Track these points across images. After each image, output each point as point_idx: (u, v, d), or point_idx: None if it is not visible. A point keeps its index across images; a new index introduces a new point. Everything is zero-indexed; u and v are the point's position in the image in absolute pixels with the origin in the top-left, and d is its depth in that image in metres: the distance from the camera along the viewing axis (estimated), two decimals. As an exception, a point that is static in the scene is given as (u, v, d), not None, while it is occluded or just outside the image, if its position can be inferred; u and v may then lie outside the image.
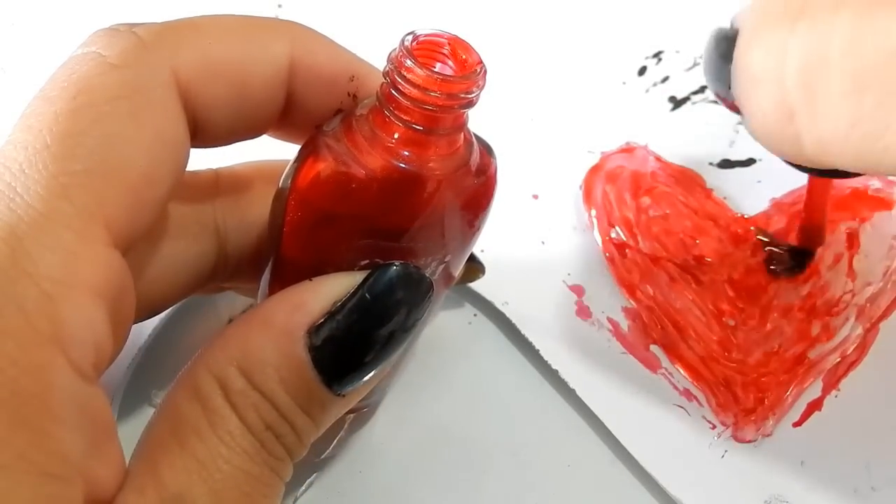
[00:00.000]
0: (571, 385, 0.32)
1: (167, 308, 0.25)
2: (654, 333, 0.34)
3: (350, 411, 0.23)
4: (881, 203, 0.37)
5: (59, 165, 0.18)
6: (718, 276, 0.36)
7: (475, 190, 0.22)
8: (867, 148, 0.18)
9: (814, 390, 0.34)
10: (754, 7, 0.22)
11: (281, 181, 0.22)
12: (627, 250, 0.36)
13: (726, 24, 0.24)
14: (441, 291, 0.25)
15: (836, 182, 0.38)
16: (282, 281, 0.22)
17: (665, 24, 0.45)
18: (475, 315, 0.35)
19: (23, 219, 0.17)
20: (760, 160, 0.40)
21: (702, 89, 0.43)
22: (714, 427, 0.32)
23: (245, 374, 0.20)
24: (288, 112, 0.23)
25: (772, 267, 0.35)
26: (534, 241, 0.37)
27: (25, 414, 0.16)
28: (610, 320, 0.34)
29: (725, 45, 0.23)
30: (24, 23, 0.43)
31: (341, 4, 0.44)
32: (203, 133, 0.22)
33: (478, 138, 0.23)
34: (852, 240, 0.36)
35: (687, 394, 0.33)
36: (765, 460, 0.32)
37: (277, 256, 0.22)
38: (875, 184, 0.38)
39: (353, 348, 0.20)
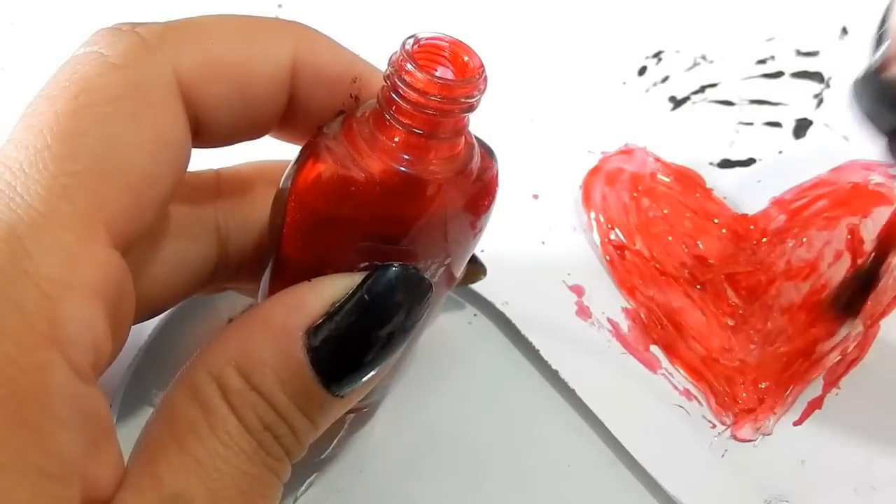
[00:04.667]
0: (571, 385, 0.32)
1: (168, 308, 0.25)
2: (653, 334, 0.34)
3: (350, 411, 0.23)
4: (882, 198, 0.37)
5: (59, 165, 0.18)
6: (718, 276, 0.36)
7: (476, 193, 0.22)
8: None
9: (814, 389, 0.34)
10: None
11: (281, 182, 0.22)
12: (627, 252, 0.36)
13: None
14: (442, 293, 0.25)
15: (838, 177, 0.38)
16: (282, 281, 0.22)
17: (665, 24, 0.45)
18: (475, 315, 0.35)
19: (22, 219, 0.17)
20: (760, 160, 0.40)
21: (702, 89, 0.43)
22: (714, 426, 0.32)
23: (243, 374, 0.20)
24: (290, 113, 0.23)
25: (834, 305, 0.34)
26: (534, 241, 0.37)
27: (24, 414, 0.16)
28: (610, 321, 0.34)
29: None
30: (24, 23, 0.43)
31: (341, 4, 0.44)
32: (205, 133, 0.22)
33: (479, 141, 0.23)
34: (853, 235, 0.36)
35: (687, 394, 0.33)
36: (765, 460, 0.32)
37: (277, 257, 0.22)
38: (876, 178, 0.38)
39: (351, 349, 0.20)
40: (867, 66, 0.26)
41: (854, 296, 0.34)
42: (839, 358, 0.34)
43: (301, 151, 0.22)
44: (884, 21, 0.25)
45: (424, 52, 0.20)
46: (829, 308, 0.34)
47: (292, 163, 0.22)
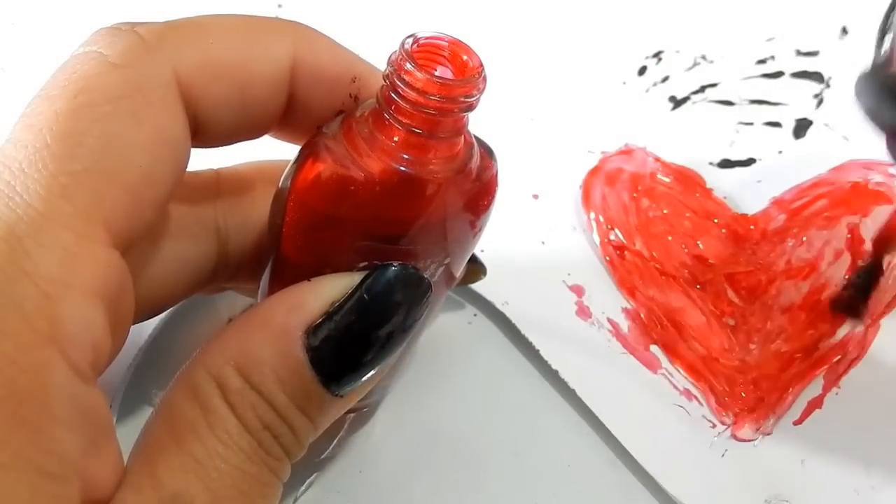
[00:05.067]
0: (571, 385, 0.32)
1: (168, 308, 0.25)
2: (653, 333, 0.34)
3: (350, 411, 0.23)
4: (881, 197, 0.37)
5: (58, 165, 0.18)
6: (718, 276, 0.36)
7: (475, 193, 0.22)
8: None
9: (814, 388, 0.34)
10: None
11: (280, 182, 0.22)
12: (627, 252, 0.36)
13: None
14: (442, 293, 0.25)
15: (838, 176, 0.38)
16: (281, 281, 0.22)
17: (665, 24, 0.45)
18: (475, 315, 0.35)
19: (22, 218, 0.17)
20: (760, 160, 0.40)
21: (702, 89, 0.43)
22: (714, 426, 0.32)
23: (243, 373, 0.20)
24: (289, 113, 0.23)
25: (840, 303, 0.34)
26: (534, 241, 0.37)
27: (23, 413, 0.16)
28: (610, 321, 0.34)
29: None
30: (24, 23, 0.43)
31: (342, 4, 0.44)
32: (204, 133, 0.22)
33: (478, 140, 0.23)
34: (853, 234, 0.36)
35: (687, 393, 0.33)
36: (765, 459, 0.32)
37: (277, 257, 0.22)
38: (876, 178, 0.38)
39: (350, 348, 0.20)
40: (871, 61, 0.26)
41: (855, 297, 0.34)
42: (839, 357, 0.34)
43: (300, 151, 0.22)
44: (888, 15, 0.25)
45: (424, 52, 0.20)
46: (832, 309, 0.34)
47: (292, 162, 0.22)
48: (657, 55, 0.44)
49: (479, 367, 0.34)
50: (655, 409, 0.33)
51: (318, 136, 0.22)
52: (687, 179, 0.39)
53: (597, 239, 0.36)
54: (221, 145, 0.23)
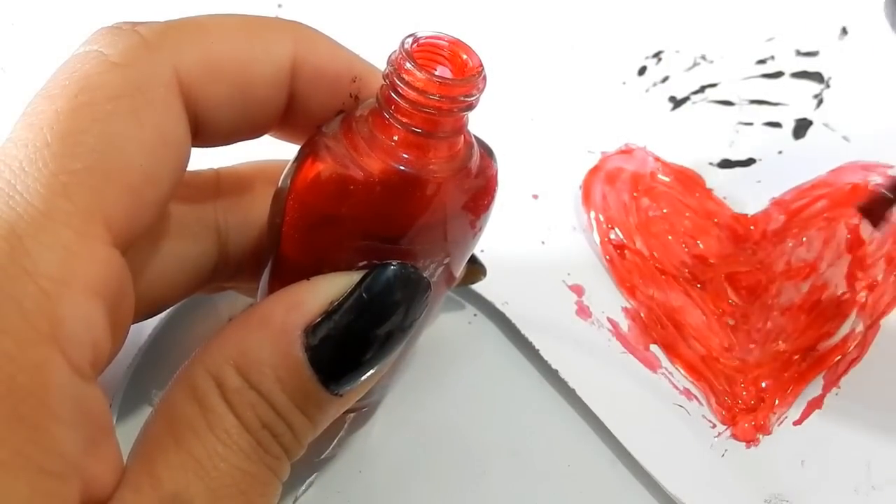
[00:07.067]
0: (571, 385, 0.32)
1: (168, 308, 0.25)
2: (653, 333, 0.34)
3: (349, 411, 0.23)
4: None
5: (59, 164, 0.18)
6: (718, 276, 0.36)
7: (475, 193, 0.22)
8: None
9: (814, 388, 0.34)
10: None
11: (280, 181, 0.22)
12: (627, 251, 0.36)
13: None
14: (441, 292, 0.25)
15: (838, 178, 0.38)
16: (281, 280, 0.22)
17: (665, 24, 0.45)
18: (475, 315, 0.35)
19: (22, 217, 0.17)
20: (760, 160, 0.40)
21: (702, 89, 0.43)
22: (714, 426, 0.32)
23: (242, 372, 0.20)
24: (290, 112, 0.23)
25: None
26: (534, 241, 0.37)
27: (23, 411, 0.16)
28: (610, 320, 0.34)
29: None
30: (24, 23, 0.43)
31: (341, 4, 0.44)
32: (205, 132, 0.22)
33: (478, 140, 0.23)
34: (853, 235, 0.36)
35: (687, 393, 0.33)
36: (765, 459, 0.32)
37: (276, 256, 0.22)
38: (875, 179, 0.38)
39: (349, 348, 0.20)
40: None
41: (879, 206, 0.35)
42: (839, 357, 0.34)
43: (300, 150, 0.22)
44: None
45: (423, 52, 0.20)
46: (857, 209, 0.36)
47: (291, 162, 0.22)
48: (657, 55, 0.44)
49: (479, 367, 0.34)
50: (655, 408, 0.33)
51: (318, 135, 0.22)
52: (687, 179, 0.39)
53: (597, 238, 0.36)
54: (221, 145, 0.23)
